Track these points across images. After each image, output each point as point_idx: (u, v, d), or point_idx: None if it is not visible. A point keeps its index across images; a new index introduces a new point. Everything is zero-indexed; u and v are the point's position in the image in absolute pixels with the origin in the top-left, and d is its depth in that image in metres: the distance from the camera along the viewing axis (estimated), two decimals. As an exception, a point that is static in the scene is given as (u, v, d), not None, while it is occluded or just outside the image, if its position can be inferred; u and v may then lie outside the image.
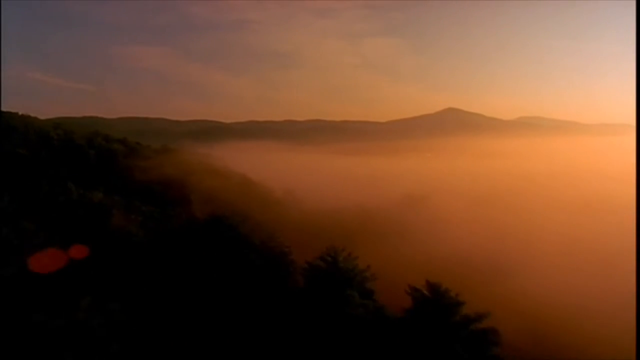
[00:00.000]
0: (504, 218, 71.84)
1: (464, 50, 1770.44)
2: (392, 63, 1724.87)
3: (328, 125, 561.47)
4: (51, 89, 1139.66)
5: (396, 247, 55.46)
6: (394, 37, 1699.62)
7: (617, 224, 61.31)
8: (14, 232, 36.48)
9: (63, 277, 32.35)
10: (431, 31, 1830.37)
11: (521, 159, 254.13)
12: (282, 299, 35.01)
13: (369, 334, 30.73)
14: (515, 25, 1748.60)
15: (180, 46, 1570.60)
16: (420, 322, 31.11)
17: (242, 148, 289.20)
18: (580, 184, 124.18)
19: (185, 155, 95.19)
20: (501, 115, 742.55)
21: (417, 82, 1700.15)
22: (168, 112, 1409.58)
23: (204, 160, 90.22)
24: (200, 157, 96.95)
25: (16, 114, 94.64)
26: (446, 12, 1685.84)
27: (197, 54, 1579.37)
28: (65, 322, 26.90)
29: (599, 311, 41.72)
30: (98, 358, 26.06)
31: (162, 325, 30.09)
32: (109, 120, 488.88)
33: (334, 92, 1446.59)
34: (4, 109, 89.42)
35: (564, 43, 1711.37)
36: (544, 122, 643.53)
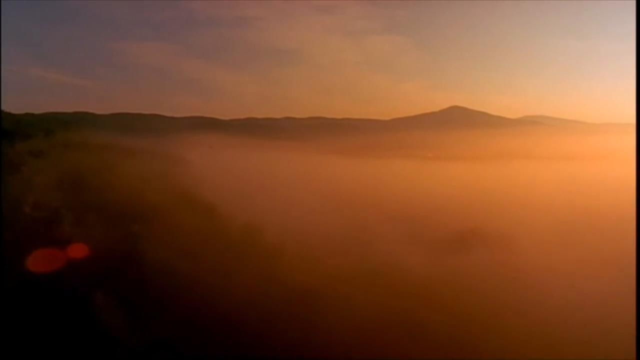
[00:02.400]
0: None
1: (467, 48, 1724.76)
2: (394, 61, 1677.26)
3: (329, 122, 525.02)
4: (47, 84, 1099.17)
5: None
6: (397, 34, 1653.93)
7: None
8: None
9: None
10: (434, 29, 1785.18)
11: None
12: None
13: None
14: (519, 24, 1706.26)
15: (180, 42, 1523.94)
16: None
17: (230, 147, 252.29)
18: None
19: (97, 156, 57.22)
20: (506, 114, 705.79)
21: (420, 79, 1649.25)
22: (166, 109, 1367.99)
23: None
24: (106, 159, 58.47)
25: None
26: (449, 10, 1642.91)
27: (197, 50, 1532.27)
28: None
29: None
30: None
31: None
32: (99, 116, 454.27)
33: (335, 89, 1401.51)
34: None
35: (568, 42, 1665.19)
36: (550, 120, 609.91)
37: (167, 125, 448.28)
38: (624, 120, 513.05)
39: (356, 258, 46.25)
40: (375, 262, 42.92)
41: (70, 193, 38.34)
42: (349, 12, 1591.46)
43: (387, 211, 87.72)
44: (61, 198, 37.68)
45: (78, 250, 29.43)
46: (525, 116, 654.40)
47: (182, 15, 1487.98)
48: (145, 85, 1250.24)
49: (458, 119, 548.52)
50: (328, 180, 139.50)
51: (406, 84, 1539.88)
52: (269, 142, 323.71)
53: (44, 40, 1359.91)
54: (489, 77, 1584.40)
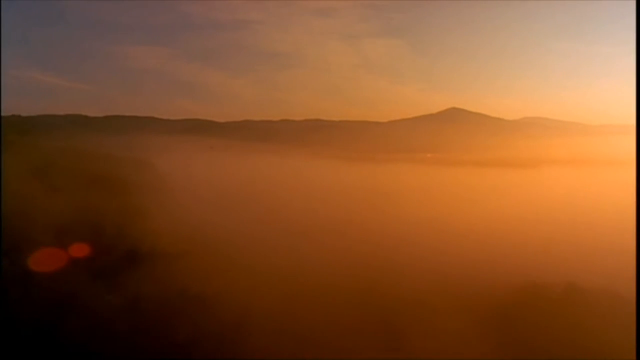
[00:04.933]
0: None
1: (465, 50, 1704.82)
2: (392, 63, 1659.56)
3: (326, 124, 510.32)
4: (43, 87, 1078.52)
5: None
6: (394, 37, 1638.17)
7: None
8: None
9: None
10: (432, 32, 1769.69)
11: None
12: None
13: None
14: (517, 26, 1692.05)
15: (177, 45, 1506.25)
16: None
17: (224, 149, 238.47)
18: None
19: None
20: (505, 115, 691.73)
21: (418, 82, 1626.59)
22: (162, 111, 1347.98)
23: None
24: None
25: None
26: (446, 13, 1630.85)
27: (194, 53, 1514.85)
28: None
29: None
30: None
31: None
32: (92, 119, 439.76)
33: (332, 92, 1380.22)
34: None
35: (565, 45, 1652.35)
36: (549, 122, 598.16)
37: (162, 126, 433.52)
38: (624, 122, 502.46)
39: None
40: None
41: None
42: (346, 15, 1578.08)
43: (387, 225, 74.62)
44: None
45: None
46: (524, 117, 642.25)
47: (179, 19, 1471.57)
48: (141, 88, 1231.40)
49: (457, 121, 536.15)
50: (325, 187, 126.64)
51: (404, 86, 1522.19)
52: (264, 145, 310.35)
53: (41, 43, 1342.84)
54: (487, 79, 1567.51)
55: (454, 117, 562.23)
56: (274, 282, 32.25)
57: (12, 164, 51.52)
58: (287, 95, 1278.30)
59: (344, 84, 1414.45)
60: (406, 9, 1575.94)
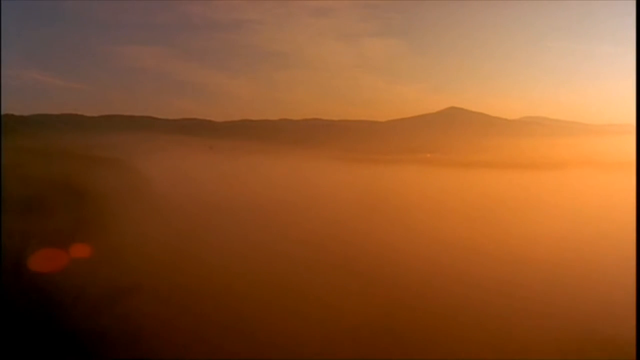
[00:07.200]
0: None
1: (464, 50, 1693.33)
2: (391, 63, 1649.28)
3: (325, 124, 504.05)
4: (40, 87, 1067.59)
5: None
6: (393, 37, 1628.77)
7: None
8: None
9: None
10: (430, 32, 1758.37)
11: None
12: None
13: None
14: (516, 26, 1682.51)
15: (176, 45, 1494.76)
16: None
17: (210, 154, 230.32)
18: None
19: None
20: (505, 115, 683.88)
21: (417, 82, 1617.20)
22: (160, 111, 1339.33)
23: None
24: None
25: None
26: (445, 13, 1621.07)
27: (193, 53, 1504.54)
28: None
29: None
30: None
31: None
32: (89, 118, 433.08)
33: (331, 91, 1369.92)
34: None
35: (565, 44, 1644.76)
36: (549, 122, 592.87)
37: (158, 126, 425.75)
38: (624, 121, 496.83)
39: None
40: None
41: None
42: (345, 15, 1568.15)
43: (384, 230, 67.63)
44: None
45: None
46: (524, 117, 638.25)
47: (178, 19, 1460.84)
48: (139, 87, 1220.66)
49: (456, 120, 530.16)
50: (324, 188, 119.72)
51: (403, 86, 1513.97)
52: (263, 145, 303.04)
53: (40, 44, 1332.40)
54: (487, 79, 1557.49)
55: (453, 116, 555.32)
56: (257, 332, 24.06)
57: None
58: (285, 94, 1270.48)
59: (343, 84, 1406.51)
60: (405, 8, 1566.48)
